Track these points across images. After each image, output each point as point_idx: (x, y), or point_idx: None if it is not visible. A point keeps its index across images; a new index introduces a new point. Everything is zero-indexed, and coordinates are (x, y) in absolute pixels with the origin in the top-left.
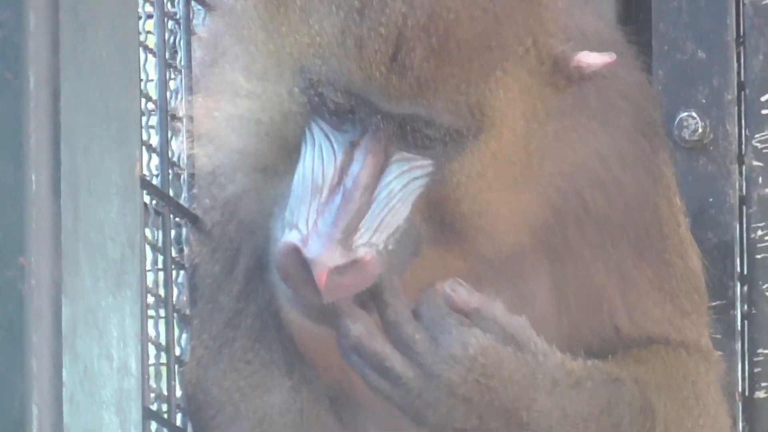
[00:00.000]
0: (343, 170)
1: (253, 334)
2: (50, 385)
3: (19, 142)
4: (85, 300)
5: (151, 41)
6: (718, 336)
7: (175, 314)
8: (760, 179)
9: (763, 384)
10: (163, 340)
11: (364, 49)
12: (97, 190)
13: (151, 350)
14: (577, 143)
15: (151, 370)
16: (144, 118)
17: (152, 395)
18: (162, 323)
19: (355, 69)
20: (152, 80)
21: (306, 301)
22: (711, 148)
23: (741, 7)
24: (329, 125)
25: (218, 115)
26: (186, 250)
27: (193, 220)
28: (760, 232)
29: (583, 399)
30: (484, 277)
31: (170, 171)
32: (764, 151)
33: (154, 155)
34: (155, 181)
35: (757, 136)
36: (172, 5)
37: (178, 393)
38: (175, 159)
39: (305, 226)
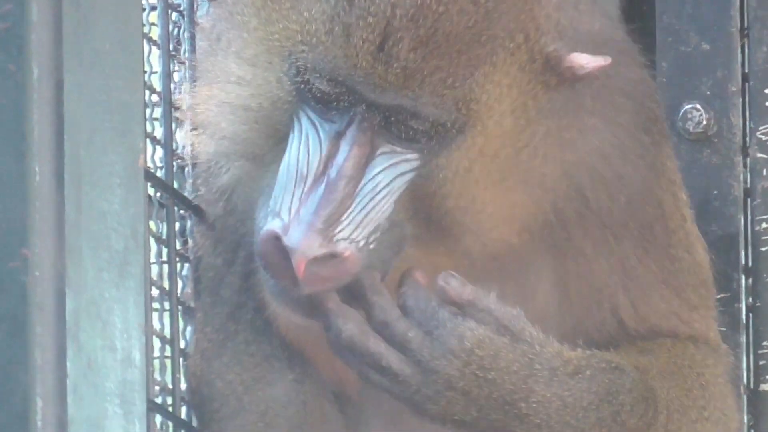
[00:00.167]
0: (328, 160)
1: (255, 327)
2: (54, 376)
3: (23, 133)
4: (89, 291)
5: (155, 33)
6: (722, 329)
7: (179, 307)
8: (765, 171)
9: None
10: (167, 333)
11: (351, 38)
12: (101, 181)
13: (156, 343)
14: (577, 140)
15: (156, 363)
16: (148, 110)
17: (157, 388)
18: (167, 316)
19: (342, 57)
20: (156, 72)
21: (287, 291)
22: (715, 140)
23: None
24: (316, 114)
25: (212, 103)
26: (190, 242)
27: (197, 213)
28: (764, 225)
29: (583, 387)
30: (486, 274)
31: (174, 163)
32: None
33: (158, 147)
34: (159, 174)
35: (761, 127)
36: None
37: (183, 386)
38: (179, 151)
39: (287, 215)
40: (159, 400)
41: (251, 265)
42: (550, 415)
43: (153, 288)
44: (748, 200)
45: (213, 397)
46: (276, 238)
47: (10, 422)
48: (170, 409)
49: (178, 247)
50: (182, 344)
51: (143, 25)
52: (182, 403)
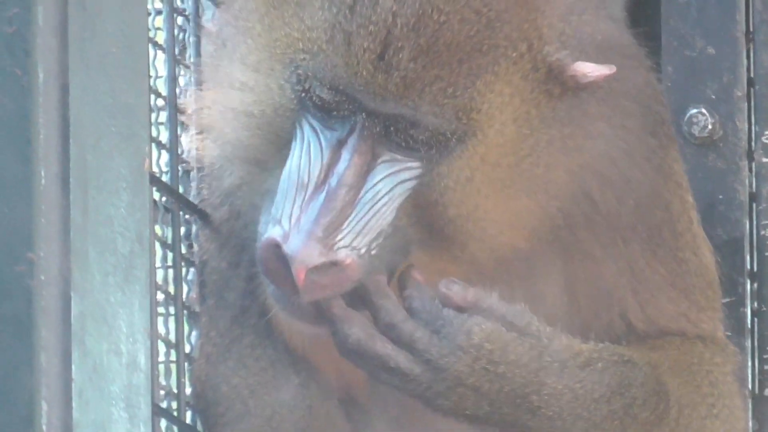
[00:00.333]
0: (329, 168)
1: (261, 331)
2: (59, 380)
3: (28, 137)
4: (94, 295)
5: (161, 37)
6: (727, 333)
7: (184, 311)
8: None
9: None
10: (173, 337)
11: (351, 46)
12: (106, 185)
13: (161, 347)
14: (584, 145)
15: (161, 367)
16: (153, 115)
17: (162, 392)
18: (172, 320)
19: (342, 65)
20: (161, 76)
21: (288, 298)
22: (721, 144)
23: (750, 3)
24: (318, 122)
25: (216, 108)
26: (195, 246)
27: (203, 217)
28: None
29: (594, 380)
30: (495, 278)
31: (179, 167)
32: None
33: (163, 151)
34: (165, 178)
35: (766, 132)
36: (181, 1)
37: (188, 390)
38: (184, 155)
39: (288, 223)
40: (164, 405)
41: (256, 269)
42: (562, 408)
43: (158, 292)
44: (754, 205)
45: (218, 402)
46: (276, 246)
47: (15, 426)
48: (175, 413)
49: (183, 251)
50: (187, 348)
51: (149, 30)
52: (187, 408)
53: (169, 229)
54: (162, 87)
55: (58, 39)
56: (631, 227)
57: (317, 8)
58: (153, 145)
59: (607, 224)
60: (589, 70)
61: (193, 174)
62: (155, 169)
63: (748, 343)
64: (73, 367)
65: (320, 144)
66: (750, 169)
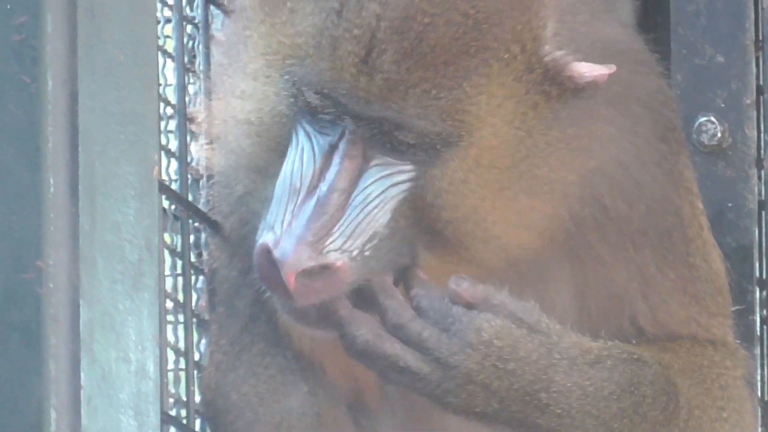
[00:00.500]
0: (321, 173)
1: (270, 339)
2: (68, 388)
3: (37, 145)
4: (103, 303)
5: (170, 45)
6: (737, 341)
7: (194, 319)
8: None
9: None
10: (182, 345)
11: (337, 50)
12: (115, 192)
13: (171, 355)
14: (595, 149)
15: (170, 375)
16: (162, 123)
17: (171, 400)
18: (181, 328)
19: (328, 69)
20: (171, 85)
21: (285, 303)
22: (730, 152)
23: (760, 11)
24: (312, 127)
25: (222, 117)
26: (205, 254)
27: (212, 225)
28: None
29: (603, 377)
30: (505, 282)
31: (189, 176)
32: None
33: (172, 160)
34: (174, 186)
35: None
36: (191, 9)
37: (197, 398)
38: (193, 164)
39: (280, 228)
40: (173, 412)
41: None
42: (571, 405)
43: (167, 300)
44: (763, 212)
45: (228, 410)
46: (268, 252)
47: None
48: (184, 421)
49: (192, 259)
50: (196, 356)
51: (158, 38)
52: (196, 416)
53: (178, 237)
54: (171, 95)
55: (67, 47)
56: (641, 232)
57: (307, 14)
58: (162, 153)
59: (618, 229)
60: (586, 70)
61: (203, 182)
62: (164, 177)
63: (758, 351)
64: (81, 374)
65: (313, 149)
66: (759, 177)
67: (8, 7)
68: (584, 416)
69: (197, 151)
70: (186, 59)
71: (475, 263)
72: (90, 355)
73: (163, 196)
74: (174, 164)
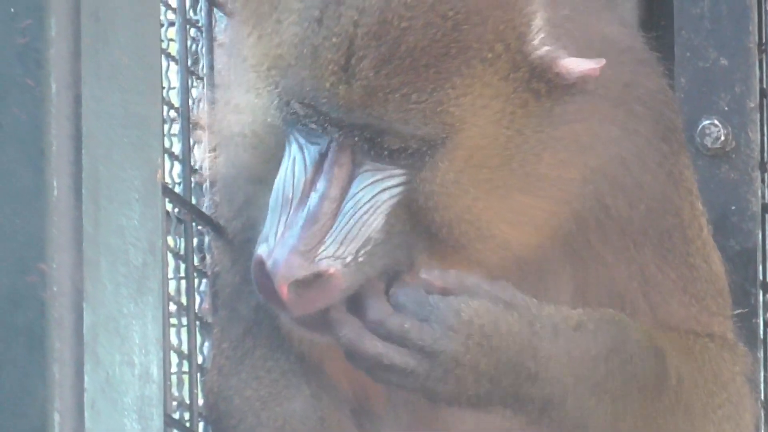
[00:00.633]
0: (312, 182)
1: (272, 343)
2: (72, 391)
3: (41, 148)
4: (107, 306)
5: (173, 48)
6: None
7: (197, 322)
8: None
9: None
10: (185, 348)
11: (317, 59)
12: (119, 196)
13: (174, 358)
14: (595, 148)
15: (174, 378)
16: (166, 126)
17: (174, 403)
18: (184, 331)
19: (309, 78)
20: (174, 88)
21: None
22: (733, 155)
23: (763, 14)
24: (303, 138)
25: (220, 129)
26: (208, 257)
27: (215, 228)
28: None
29: (588, 339)
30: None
31: (192, 179)
32: None
33: (176, 163)
34: (178, 189)
35: None
36: (194, 13)
37: (200, 401)
38: (197, 167)
39: (274, 239)
40: (176, 416)
41: None
42: (561, 370)
43: (171, 303)
44: (766, 216)
45: (230, 413)
46: (262, 264)
47: None
48: (188, 424)
49: (195, 262)
50: (200, 359)
51: (161, 41)
52: (200, 419)
53: (182, 240)
54: (175, 98)
55: (70, 50)
56: (642, 232)
57: (291, 24)
58: (165, 156)
59: (619, 228)
60: (575, 65)
61: (206, 186)
62: (168, 180)
63: (761, 354)
64: (85, 378)
65: (304, 159)
66: (763, 180)
67: (12, 10)
68: (575, 380)
69: (201, 153)
70: (189, 62)
71: (475, 263)
72: (94, 359)
73: (167, 200)
74: (177, 167)
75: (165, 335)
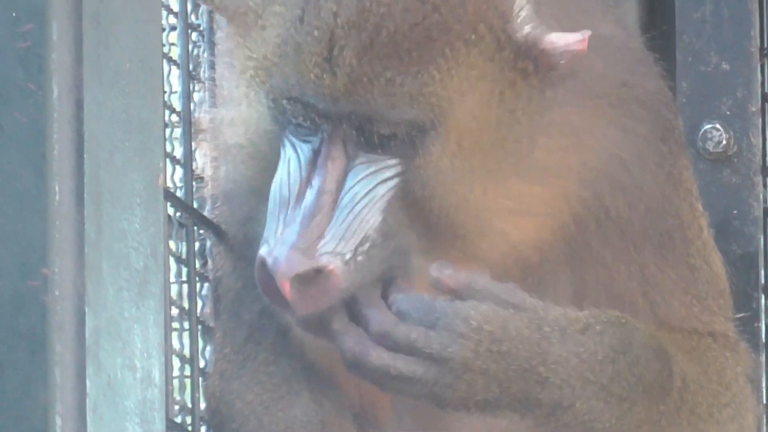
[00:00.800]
0: (308, 180)
1: (274, 348)
2: (74, 395)
3: (43, 152)
4: (109, 310)
5: (175, 53)
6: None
7: (199, 326)
8: None
9: None
10: (187, 352)
11: (300, 54)
12: (121, 200)
13: (176, 362)
14: (595, 149)
15: (176, 382)
16: (168, 130)
17: (176, 407)
18: (186, 335)
19: (293, 73)
20: (176, 92)
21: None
22: (735, 159)
23: (765, 18)
24: (296, 138)
25: (219, 142)
26: (210, 262)
27: (217, 232)
28: None
29: (596, 341)
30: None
31: (194, 183)
32: None
33: (178, 167)
34: (179, 194)
35: None
36: (196, 17)
37: (202, 405)
38: (199, 171)
39: (274, 239)
40: (178, 420)
41: None
42: (569, 374)
43: (173, 307)
44: None
45: (233, 418)
46: (264, 264)
47: None
48: (190, 428)
49: (197, 266)
50: (202, 363)
51: (163, 45)
52: (201, 423)
53: (184, 244)
54: (176, 102)
55: (72, 54)
56: (641, 233)
57: (275, 26)
58: (167, 160)
59: (618, 230)
60: (558, 39)
61: (208, 189)
62: (169, 184)
63: (763, 358)
64: (87, 382)
65: (299, 159)
66: (764, 185)
67: (14, 14)
68: (583, 383)
69: (203, 159)
70: (191, 66)
71: (476, 259)
72: (96, 363)
73: (169, 204)
74: (179, 172)
75: (167, 339)
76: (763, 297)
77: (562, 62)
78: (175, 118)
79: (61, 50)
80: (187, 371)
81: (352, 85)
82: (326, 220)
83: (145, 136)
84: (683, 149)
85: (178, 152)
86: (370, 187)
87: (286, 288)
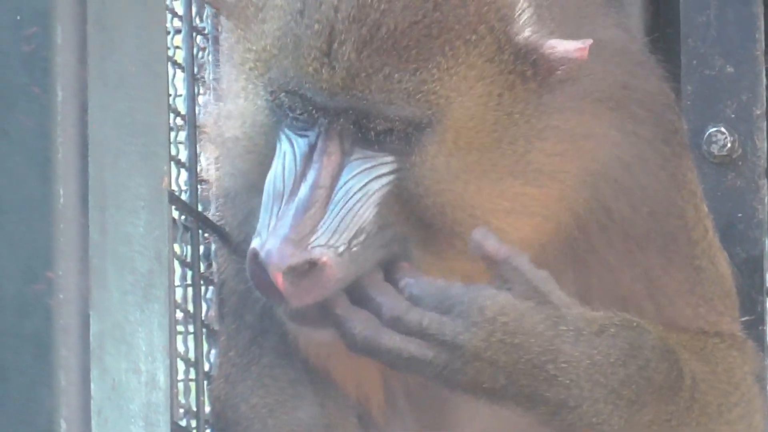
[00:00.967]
0: (303, 174)
1: (279, 351)
2: (78, 399)
3: (47, 156)
4: (113, 314)
5: (180, 56)
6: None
7: (203, 329)
8: None
9: None
10: (192, 356)
11: (300, 47)
12: (125, 203)
13: (180, 366)
14: (595, 153)
15: (181, 385)
16: (172, 133)
17: (181, 411)
18: (191, 339)
19: (291, 67)
20: (181, 95)
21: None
22: (740, 163)
23: None
24: (292, 132)
25: (220, 138)
26: (214, 265)
27: (221, 236)
28: None
29: (608, 344)
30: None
31: (198, 186)
32: None
33: (182, 170)
34: (184, 197)
35: None
36: (201, 20)
37: (207, 408)
38: (203, 174)
39: (266, 232)
40: (183, 423)
41: None
42: (579, 375)
43: (177, 311)
44: None
45: (237, 421)
46: (256, 256)
47: None
48: (194, 431)
49: (202, 270)
50: (206, 367)
51: (168, 48)
52: (206, 426)
53: (188, 247)
54: (181, 106)
55: (76, 57)
56: (645, 235)
57: (276, 19)
58: (172, 163)
59: (622, 232)
60: (558, 46)
61: (212, 192)
62: (174, 187)
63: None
64: (92, 385)
65: (294, 153)
66: None
67: (18, 18)
68: (593, 385)
69: (206, 162)
70: (195, 69)
71: (474, 260)
72: (100, 366)
73: (173, 207)
74: (184, 175)
75: (171, 343)
76: (767, 300)
77: (561, 68)
78: (179, 121)
79: (65, 53)
80: (192, 374)
81: (350, 79)
82: (320, 213)
83: (150, 140)
84: (687, 151)
85: (183, 155)
86: (364, 183)
87: (279, 280)
